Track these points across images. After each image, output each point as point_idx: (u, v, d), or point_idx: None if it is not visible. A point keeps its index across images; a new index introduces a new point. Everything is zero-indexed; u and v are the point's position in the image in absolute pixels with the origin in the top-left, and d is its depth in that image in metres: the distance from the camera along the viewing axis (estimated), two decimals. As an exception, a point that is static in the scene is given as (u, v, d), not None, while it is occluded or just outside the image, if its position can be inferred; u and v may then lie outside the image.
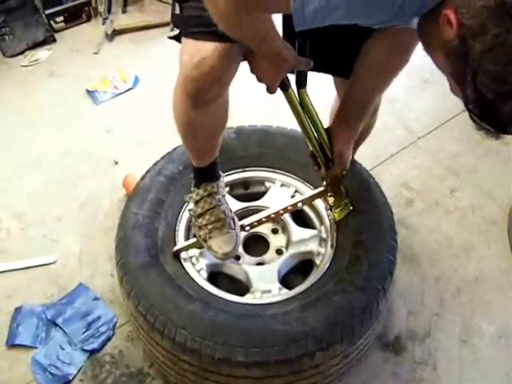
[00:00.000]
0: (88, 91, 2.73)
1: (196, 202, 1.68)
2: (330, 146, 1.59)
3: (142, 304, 1.54)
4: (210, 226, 1.66)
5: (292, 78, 1.46)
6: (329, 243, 1.79)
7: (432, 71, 2.50)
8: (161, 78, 2.74)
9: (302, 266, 1.84)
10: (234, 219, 1.72)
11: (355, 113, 1.56)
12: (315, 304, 1.55)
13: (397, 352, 1.85)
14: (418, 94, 2.75)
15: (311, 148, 1.59)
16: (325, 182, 1.73)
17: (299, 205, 1.80)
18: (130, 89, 2.76)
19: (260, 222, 1.78)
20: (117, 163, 2.39)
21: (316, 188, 1.83)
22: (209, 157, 1.63)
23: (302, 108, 1.51)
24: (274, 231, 1.95)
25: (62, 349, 1.78)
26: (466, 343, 1.88)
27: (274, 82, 1.33)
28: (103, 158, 2.41)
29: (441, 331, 1.91)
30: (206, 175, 1.66)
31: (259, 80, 1.33)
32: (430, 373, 1.81)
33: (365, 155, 2.02)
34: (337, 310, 1.53)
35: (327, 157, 1.61)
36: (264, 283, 1.71)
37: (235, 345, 1.44)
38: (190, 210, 1.72)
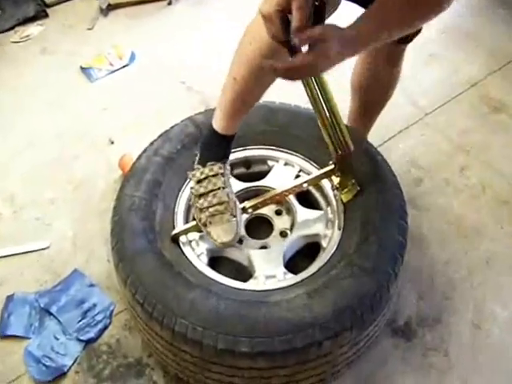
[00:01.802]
0: (82, 68, 2.64)
1: (199, 181, 1.61)
2: (339, 125, 1.51)
3: (139, 292, 1.46)
4: (211, 209, 1.59)
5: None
6: (336, 225, 1.70)
7: (438, 45, 2.45)
8: (158, 54, 2.72)
9: (308, 250, 1.75)
10: (236, 203, 1.64)
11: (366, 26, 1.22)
12: (322, 290, 1.46)
13: (407, 338, 1.78)
14: (424, 68, 2.66)
15: (320, 125, 1.51)
16: (332, 161, 1.64)
17: (305, 185, 1.71)
18: (125, 65, 2.67)
19: (263, 204, 1.69)
20: (112, 143, 2.31)
21: (322, 167, 1.74)
22: (237, 119, 1.59)
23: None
24: (278, 213, 1.86)
25: (57, 339, 1.71)
26: (478, 328, 1.81)
27: (269, 30, 1.20)
28: (98, 138, 2.34)
29: (452, 316, 1.83)
30: (219, 149, 1.61)
31: None
32: (441, 359, 1.74)
33: (370, 132, 1.95)
34: (345, 296, 1.44)
35: (337, 135, 1.52)
36: (268, 268, 1.62)
37: (239, 334, 1.36)
38: (191, 188, 1.64)
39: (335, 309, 1.41)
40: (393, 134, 2.36)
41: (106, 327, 1.74)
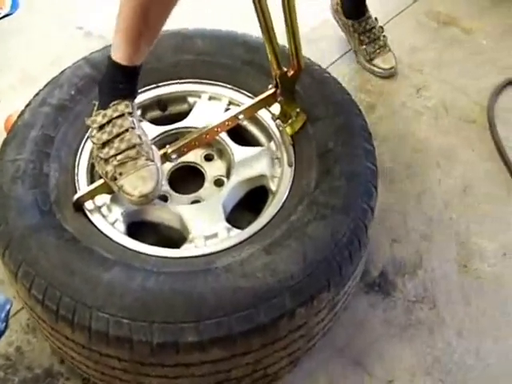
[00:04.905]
0: (-50, 20, 2.23)
1: (101, 127, 1.23)
2: (293, 31, 1.24)
3: (36, 285, 1.09)
4: (119, 157, 1.19)
5: None
6: (285, 161, 1.35)
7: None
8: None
9: (252, 200, 1.40)
10: (152, 148, 1.26)
11: None
12: (283, 242, 1.13)
13: (385, 292, 1.49)
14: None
15: (263, 30, 1.22)
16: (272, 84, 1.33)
17: (240, 117, 1.34)
18: (7, 15, 2.28)
19: (190, 147, 1.31)
20: (-3, 104, 1.96)
21: (256, 95, 1.39)
22: (144, 48, 1.24)
23: None
24: (208, 158, 1.48)
25: None
26: (466, 268, 1.55)
27: None
28: (-21, 100, 1.96)
29: (434, 258, 1.56)
30: (123, 86, 1.25)
31: None
32: (428, 312, 1.46)
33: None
34: (315, 245, 1.12)
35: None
36: (206, 225, 1.25)
37: (180, 320, 1.00)
38: (91, 138, 1.24)
39: (305, 264, 1.09)
40: (333, 60, 2.04)
41: (1, 333, 1.32)
